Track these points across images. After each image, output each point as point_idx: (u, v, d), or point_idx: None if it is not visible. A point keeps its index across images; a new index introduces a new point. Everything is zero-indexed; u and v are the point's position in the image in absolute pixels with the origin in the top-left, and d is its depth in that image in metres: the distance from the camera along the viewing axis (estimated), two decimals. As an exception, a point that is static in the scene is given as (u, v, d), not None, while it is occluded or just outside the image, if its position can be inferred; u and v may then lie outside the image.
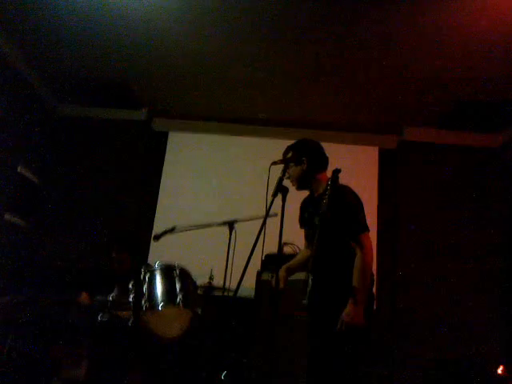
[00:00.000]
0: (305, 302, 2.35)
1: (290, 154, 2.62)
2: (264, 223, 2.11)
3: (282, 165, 2.45)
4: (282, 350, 2.63)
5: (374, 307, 4.70)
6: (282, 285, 2.50)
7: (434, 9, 3.52)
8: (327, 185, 2.31)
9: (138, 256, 3.80)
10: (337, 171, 2.27)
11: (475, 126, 5.10)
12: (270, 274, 3.86)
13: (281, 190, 2.30)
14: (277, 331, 2.34)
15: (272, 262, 3.68)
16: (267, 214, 2.17)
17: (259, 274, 4.08)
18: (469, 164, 5.14)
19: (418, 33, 3.83)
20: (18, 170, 4.83)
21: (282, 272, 2.58)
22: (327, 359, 2.30)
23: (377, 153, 5.44)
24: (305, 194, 2.74)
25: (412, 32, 3.83)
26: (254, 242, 2.07)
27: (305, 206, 2.72)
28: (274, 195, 2.23)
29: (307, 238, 2.71)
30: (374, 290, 4.82)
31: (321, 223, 2.29)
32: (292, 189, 2.53)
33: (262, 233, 2.07)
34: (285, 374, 3.04)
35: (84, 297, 3.47)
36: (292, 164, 2.57)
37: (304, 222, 2.69)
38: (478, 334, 4.59)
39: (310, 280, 2.34)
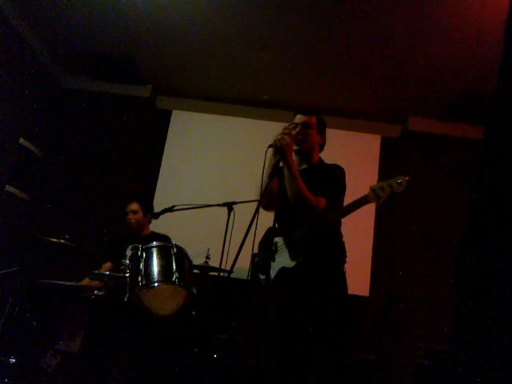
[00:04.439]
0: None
1: (313, 120, 2.63)
2: (259, 206, 2.10)
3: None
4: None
5: (368, 294, 4.81)
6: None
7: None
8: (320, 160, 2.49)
9: (149, 210, 3.89)
10: None
11: (482, 119, 5.06)
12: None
13: (277, 172, 2.28)
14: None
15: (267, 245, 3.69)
16: (262, 197, 2.17)
17: (255, 256, 4.09)
18: (471, 157, 5.10)
19: (424, 23, 3.80)
20: (20, 141, 4.82)
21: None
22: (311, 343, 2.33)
23: (379, 141, 5.42)
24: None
25: (418, 23, 3.80)
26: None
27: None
28: (271, 177, 2.22)
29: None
30: (368, 277, 4.91)
31: None
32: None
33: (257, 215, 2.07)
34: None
35: None
36: (313, 129, 2.59)
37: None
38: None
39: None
